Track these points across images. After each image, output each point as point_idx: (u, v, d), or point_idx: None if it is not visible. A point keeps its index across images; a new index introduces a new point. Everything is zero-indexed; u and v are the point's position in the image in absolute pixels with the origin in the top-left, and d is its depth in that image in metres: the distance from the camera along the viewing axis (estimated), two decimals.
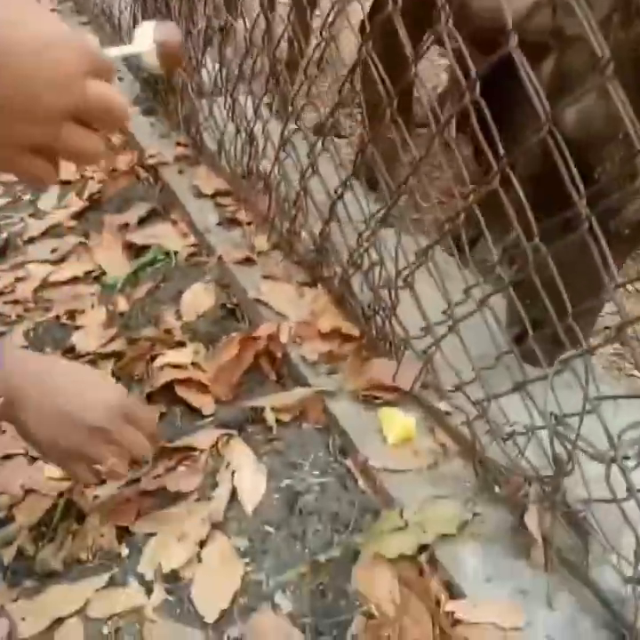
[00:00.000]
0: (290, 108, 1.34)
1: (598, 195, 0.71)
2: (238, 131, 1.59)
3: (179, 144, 2.01)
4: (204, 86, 1.85)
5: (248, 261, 1.51)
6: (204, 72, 1.84)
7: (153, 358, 1.34)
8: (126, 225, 1.78)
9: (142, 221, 1.78)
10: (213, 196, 1.75)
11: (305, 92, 1.32)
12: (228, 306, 1.45)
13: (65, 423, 0.91)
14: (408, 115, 1.93)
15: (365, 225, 1.16)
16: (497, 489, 0.96)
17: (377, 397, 1.14)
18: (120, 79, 2.51)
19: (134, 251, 1.70)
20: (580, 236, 0.71)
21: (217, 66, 1.68)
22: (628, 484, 0.69)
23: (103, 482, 1.05)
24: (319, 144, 1.24)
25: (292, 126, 1.35)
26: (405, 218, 1.11)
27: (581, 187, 0.71)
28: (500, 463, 0.96)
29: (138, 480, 1.13)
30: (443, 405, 1.11)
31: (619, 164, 0.83)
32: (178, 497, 1.10)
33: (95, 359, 1.37)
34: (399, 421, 1.07)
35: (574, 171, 0.71)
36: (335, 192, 1.24)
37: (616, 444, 0.68)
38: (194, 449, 1.16)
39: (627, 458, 0.68)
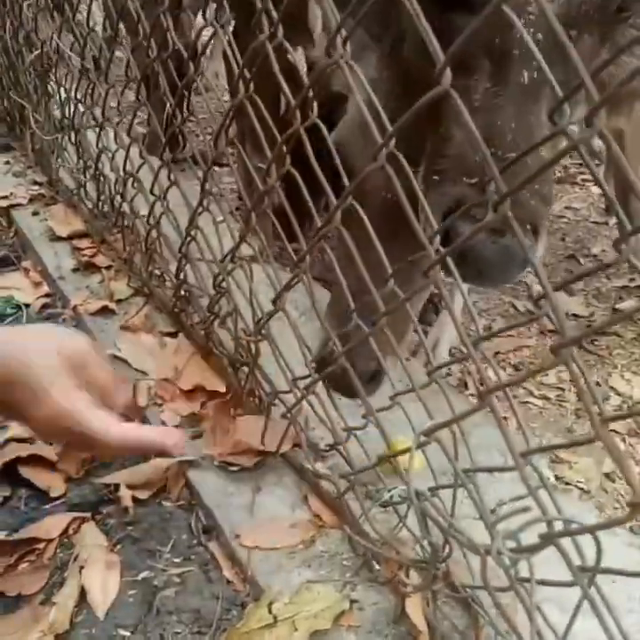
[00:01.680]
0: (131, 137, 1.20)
1: None
2: (87, 166, 1.43)
3: (35, 182, 1.84)
4: (54, 116, 1.69)
5: (106, 311, 1.35)
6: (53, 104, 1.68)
7: None
8: None
9: None
10: (70, 238, 1.58)
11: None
12: None
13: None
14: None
15: (219, 267, 1.03)
16: (376, 567, 0.84)
17: (242, 466, 1.00)
18: None
19: None
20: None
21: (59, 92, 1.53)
22: (508, 577, 0.58)
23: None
24: (165, 175, 1.10)
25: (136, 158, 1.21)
26: (263, 253, 0.98)
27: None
28: (376, 538, 0.83)
29: None
30: (319, 466, 0.98)
31: None
32: (19, 601, 0.93)
33: None
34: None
35: None
36: (186, 230, 1.10)
37: (492, 534, 0.56)
38: (39, 540, 1.00)
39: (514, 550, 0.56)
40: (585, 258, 2.21)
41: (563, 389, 1.63)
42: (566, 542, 0.54)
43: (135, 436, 0.82)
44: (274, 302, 0.89)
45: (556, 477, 1.28)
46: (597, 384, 1.62)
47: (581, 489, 1.28)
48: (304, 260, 0.77)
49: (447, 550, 0.66)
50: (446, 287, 0.64)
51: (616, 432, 1.47)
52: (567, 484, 1.29)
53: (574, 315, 1.88)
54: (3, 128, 2.15)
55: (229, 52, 0.78)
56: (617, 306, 1.93)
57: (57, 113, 1.61)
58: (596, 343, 1.76)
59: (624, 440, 1.46)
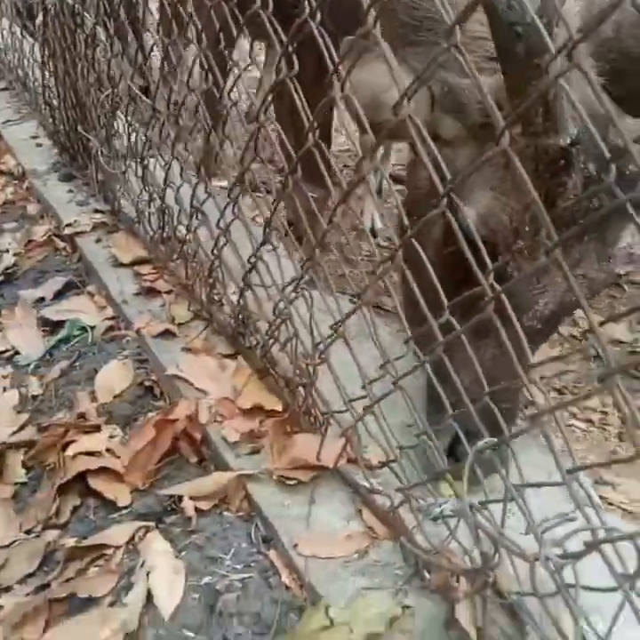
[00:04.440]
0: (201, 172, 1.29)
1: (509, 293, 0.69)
2: (151, 199, 1.52)
3: (97, 211, 1.94)
4: (118, 150, 1.79)
5: (167, 334, 1.43)
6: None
7: (66, 445, 1.25)
8: (42, 299, 1.70)
9: (58, 295, 1.70)
10: (132, 264, 1.67)
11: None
12: (147, 383, 1.37)
13: None
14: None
15: (281, 295, 1.10)
16: (427, 575, 0.89)
17: (298, 480, 1.06)
18: (39, 145, 2.45)
19: (50, 326, 1.62)
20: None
21: (128, 130, 1.62)
22: (554, 582, 0.63)
23: None
24: (229, 211, 1.18)
25: (202, 192, 1.29)
26: (326, 279, 1.05)
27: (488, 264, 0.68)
28: (428, 548, 0.89)
29: (47, 585, 1.04)
30: (371, 482, 1.04)
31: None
32: (90, 602, 1.00)
33: (3, 450, 1.27)
34: None
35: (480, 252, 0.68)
36: (249, 261, 1.18)
37: (540, 542, 0.62)
38: (108, 546, 1.07)
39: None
40: (630, 285, 2.24)
41: (606, 413, 1.66)
42: (609, 552, 0.59)
43: None
44: (333, 329, 0.96)
45: (600, 498, 1.32)
46: None
47: (624, 510, 1.31)
48: (365, 292, 0.83)
49: (497, 559, 0.71)
50: None
51: None
52: (610, 504, 1.32)
53: (618, 340, 1.91)
54: (65, 158, 2.27)
55: (300, 105, 0.86)
56: None
57: (122, 145, 1.71)
58: None
59: None
